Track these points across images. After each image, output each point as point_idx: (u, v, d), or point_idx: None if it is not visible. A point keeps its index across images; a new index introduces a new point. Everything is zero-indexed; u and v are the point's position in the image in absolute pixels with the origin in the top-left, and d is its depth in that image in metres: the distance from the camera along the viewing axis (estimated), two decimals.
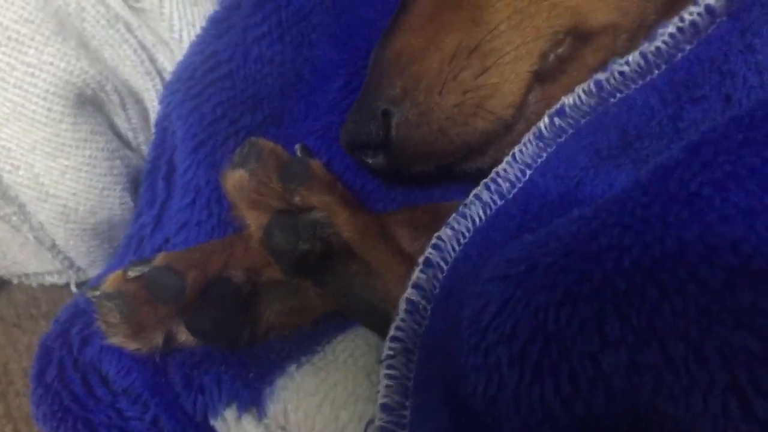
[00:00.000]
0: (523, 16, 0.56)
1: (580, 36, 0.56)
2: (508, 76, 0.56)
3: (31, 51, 0.61)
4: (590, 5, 0.55)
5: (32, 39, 0.61)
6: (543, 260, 0.42)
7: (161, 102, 0.67)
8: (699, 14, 0.44)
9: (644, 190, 0.40)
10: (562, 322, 0.39)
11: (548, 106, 0.56)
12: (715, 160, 0.38)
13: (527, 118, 0.58)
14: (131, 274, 0.57)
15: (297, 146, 0.60)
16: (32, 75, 0.61)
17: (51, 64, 0.62)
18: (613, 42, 0.57)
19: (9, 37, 0.61)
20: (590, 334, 0.38)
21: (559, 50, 0.57)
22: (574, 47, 0.57)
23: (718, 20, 0.44)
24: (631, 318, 0.37)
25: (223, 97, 0.64)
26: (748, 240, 0.34)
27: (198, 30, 0.70)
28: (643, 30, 0.58)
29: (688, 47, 0.45)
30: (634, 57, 0.47)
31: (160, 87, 0.70)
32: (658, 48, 0.45)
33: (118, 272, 0.58)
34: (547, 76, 0.57)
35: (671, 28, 0.45)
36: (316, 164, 0.58)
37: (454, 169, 0.61)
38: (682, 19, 0.44)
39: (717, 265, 0.35)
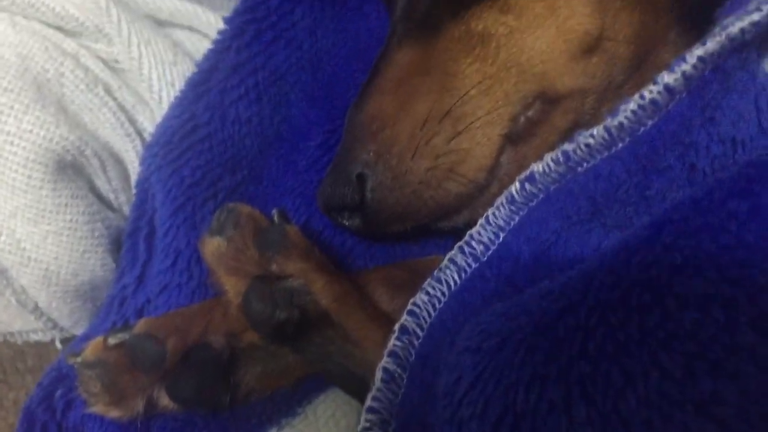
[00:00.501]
0: (493, 82, 0.57)
1: (548, 100, 0.57)
2: (479, 140, 0.57)
3: (11, 120, 0.62)
4: (557, 71, 0.56)
5: (11, 108, 0.62)
6: (513, 336, 0.43)
7: (141, 164, 0.67)
8: (659, 92, 0.45)
9: (609, 270, 0.41)
10: (531, 401, 0.40)
11: (521, 166, 0.57)
12: (675, 244, 0.38)
13: (500, 179, 0.59)
14: (112, 341, 0.58)
15: (274, 211, 0.60)
16: (12, 144, 0.62)
17: (30, 132, 0.62)
18: (582, 104, 0.58)
19: None
20: (558, 415, 0.39)
21: (529, 113, 0.58)
22: (544, 110, 0.58)
23: (678, 96, 0.45)
24: (597, 401, 0.37)
25: (202, 160, 0.65)
26: (705, 328, 0.35)
27: (177, 90, 0.71)
28: (611, 91, 0.59)
29: (650, 122, 0.46)
30: (598, 130, 0.48)
31: (140, 148, 0.70)
32: (621, 123, 0.46)
33: (99, 339, 0.59)
34: (519, 137, 0.58)
35: (633, 105, 0.46)
36: (292, 230, 0.58)
37: (431, 228, 0.62)
38: (642, 97, 0.45)
39: (677, 351, 0.36)
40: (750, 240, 0.36)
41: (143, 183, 0.67)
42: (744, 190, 0.38)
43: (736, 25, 0.43)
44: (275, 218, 0.60)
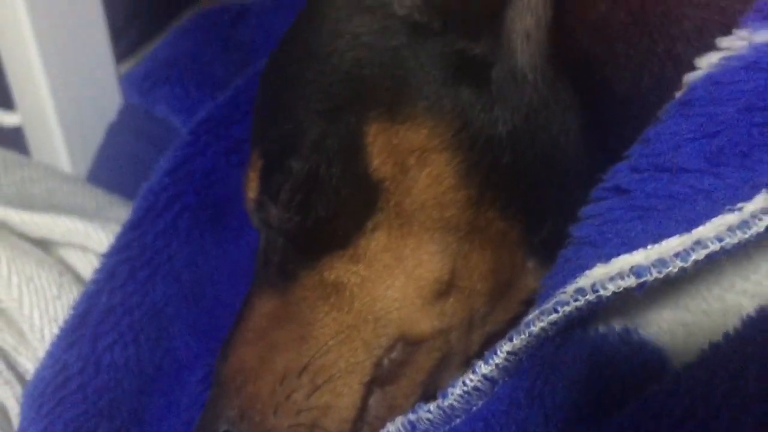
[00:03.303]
0: (351, 331, 0.56)
1: (409, 342, 0.57)
2: (340, 392, 0.56)
3: None
4: (412, 317, 0.56)
5: None
6: None
7: (20, 414, 0.66)
8: (479, 380, 0.44)
9: None
10: None
11: (390, 407, 0.57)
12: None
13: (370, 422, 0.57)
14: None
15: None
16: None
17: None
18: (446, 342, 0.58)
19: None
20: None
21: (393, 355, 0.57)
22: (407, 352, 0.57)
23: (501, 381, 0.44)
24: None
25: (76, 411, 0.63)
26: None
27: (60, 324, 0.70)
28: (477, 321, 0.59)
29: (480, 402, 0.45)
30: (434, 408, 0.47)
31: (20, 393, 0.69)
32: (452, 405, 0.46)
33: None
34: (385, 380, 0.57)
35: (458, 390, 0.45)
36: None
37: None
38: (465, 383, 0.45)
39: None
40: None
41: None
42: None
43: (537, 324, 0.42)
44: None
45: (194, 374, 0.67)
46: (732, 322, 0.43)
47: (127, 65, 1.12)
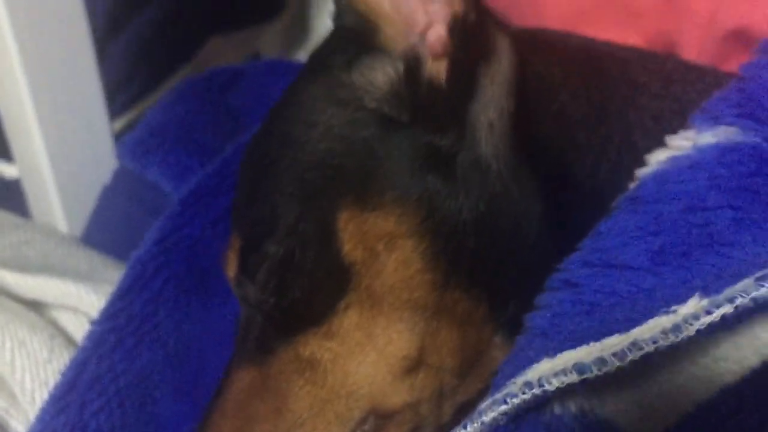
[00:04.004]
0: (324, 404, 0.59)
1: (381, 415, 0.59)
2: None
3: None
4: (383, 392, 0.59)
5: None
6: None
7: None
8: None
9: None
10: None
11: None
12: None
13: None
14: None
15: None
16: None
17: None
18: (416, 414, 0.60)
19: None
20: None
21: (365, 427, 0.60)
22: (379, 424, 0.60)
23: None
24: None
25: None
26: None
27: (50, 387, 0.73)
28: (448, 393, 0.62)
29: None
30: None
31: None
32: None
33: None
34: None
35: None
36: None
37: None
38: None
39: None
40: None
41: None
42: None
43: (489, 414, 0.45)
44: None
45: None
46: (683, 404, 0.46)
47: (123, 121, 1.17)
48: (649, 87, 0.63)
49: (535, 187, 0.60)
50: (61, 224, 0.98)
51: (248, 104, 0.96)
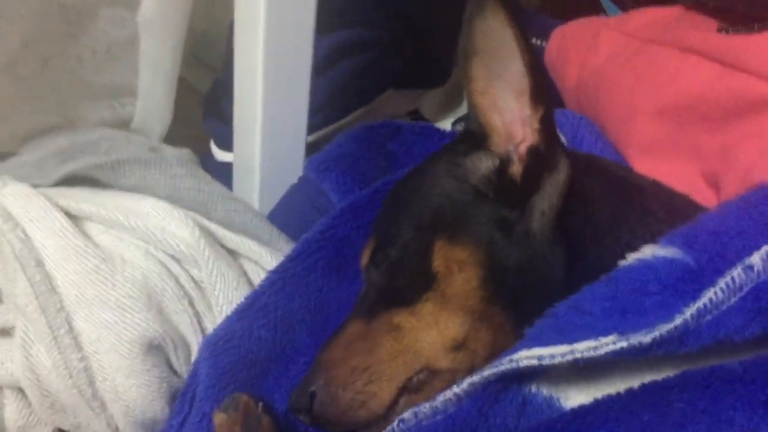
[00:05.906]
0: (397, 355, 0.93)
1: (431, 372, 0.93)
2: (384, 388, 0.92)
3: (129, 316, 1.06)
4: (436, 357, 0.91)
5: (131, 308, 1.06)
6: None
7: (198, 352, 1.09)
8: (452, 396, 0.81)
9: None
10: None
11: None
12: None
13: (398, 413, 0.95)
14: None
15: (260, 404, 0.99)
16: (127, 329, 1.05)
17: (138, 324, 1.06)
18: (453, 377, 0.93)
19: (119, 305, 1.06)
20: None
21: (420, 376, 0.94)
22: (428, 376, 0.93)
23: (465, 399, 0.81)
24: None
25: (233, 358, 1.04)
26: None
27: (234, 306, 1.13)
28: (476, 367, 0.95)
29: (452, 408, 0.82)
30: (427, 406, 0.84)
31: (200, 339, 1.12)
32: (436, 407, 0.83)
33: None
34: (412, 389, 0.93)
35: (441, 398, 0.82)
36: (266, 420, 0.97)
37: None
38: (444, 396, 0.82)
39: None
40: None
41: (197, 364, 1.08)
42: None
43: (487, 371, 0.79)
44: (260, 409, 0.99)
45: (304, 357, 1.06)
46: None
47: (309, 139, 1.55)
48: (656, 214, 0.94)
49: (562, 254, 0.92)
50: (255, 204, 1.28)
51: (401, 152, 1.34)
